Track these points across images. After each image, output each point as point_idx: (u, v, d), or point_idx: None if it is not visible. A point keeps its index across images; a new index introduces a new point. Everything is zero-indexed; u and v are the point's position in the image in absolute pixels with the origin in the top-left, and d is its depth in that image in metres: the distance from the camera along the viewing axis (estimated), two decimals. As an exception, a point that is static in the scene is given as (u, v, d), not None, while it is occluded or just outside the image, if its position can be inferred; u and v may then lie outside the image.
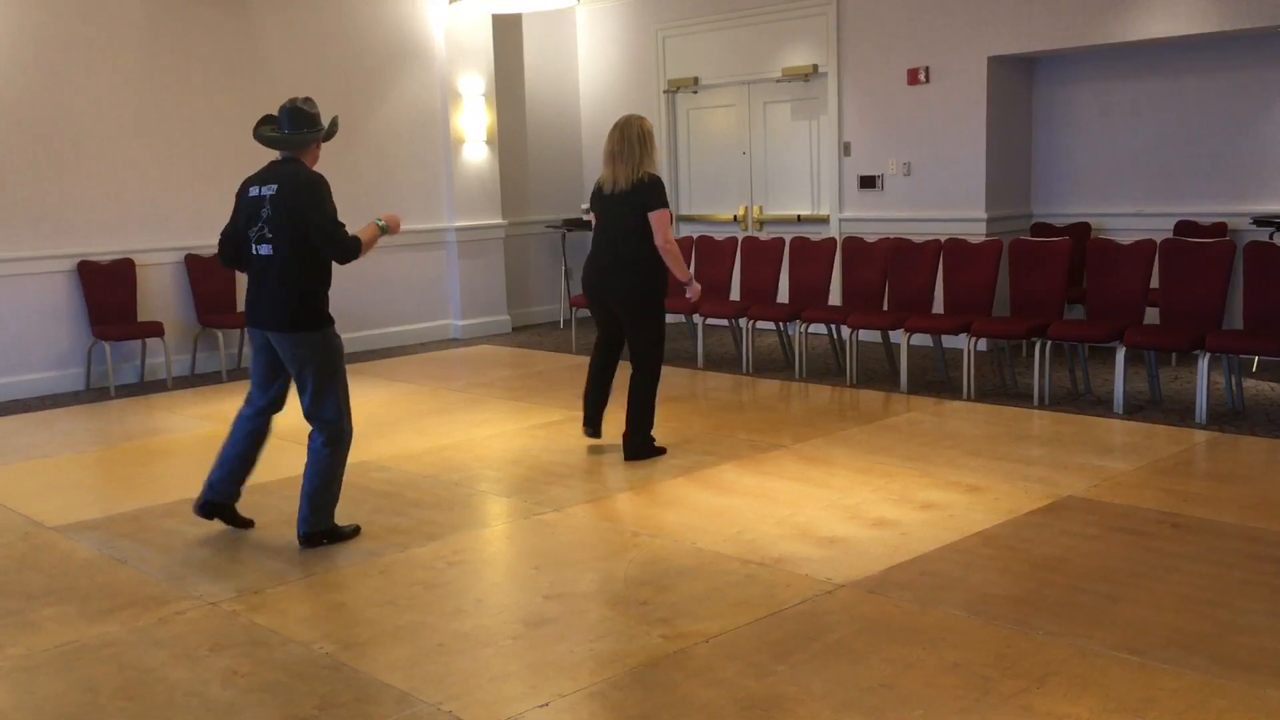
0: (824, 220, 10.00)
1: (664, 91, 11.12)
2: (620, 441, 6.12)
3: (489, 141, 10.86)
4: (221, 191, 9.35)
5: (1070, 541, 4.61)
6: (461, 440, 6.69)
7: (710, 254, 9.17)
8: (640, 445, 6.06)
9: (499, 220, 10.98)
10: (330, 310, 4.84)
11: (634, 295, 5.88)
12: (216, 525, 5.20)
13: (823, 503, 5.22)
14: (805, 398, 7.79)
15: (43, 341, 8.58)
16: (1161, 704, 3.23)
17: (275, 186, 4.69)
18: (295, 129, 4.74)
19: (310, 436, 4.85)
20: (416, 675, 3.59)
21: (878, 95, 9.55)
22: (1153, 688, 3.32)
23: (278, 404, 5.01)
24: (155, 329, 8.67)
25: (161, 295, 9.07)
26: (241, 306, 9.21)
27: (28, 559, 4.85)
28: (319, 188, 4.68)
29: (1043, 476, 5.50)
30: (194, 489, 5.81)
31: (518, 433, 6.87)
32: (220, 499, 5.01)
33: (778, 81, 10.27)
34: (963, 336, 7.44)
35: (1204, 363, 6.54)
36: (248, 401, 5.03)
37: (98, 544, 4.99)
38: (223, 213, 9.23)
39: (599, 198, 5.97)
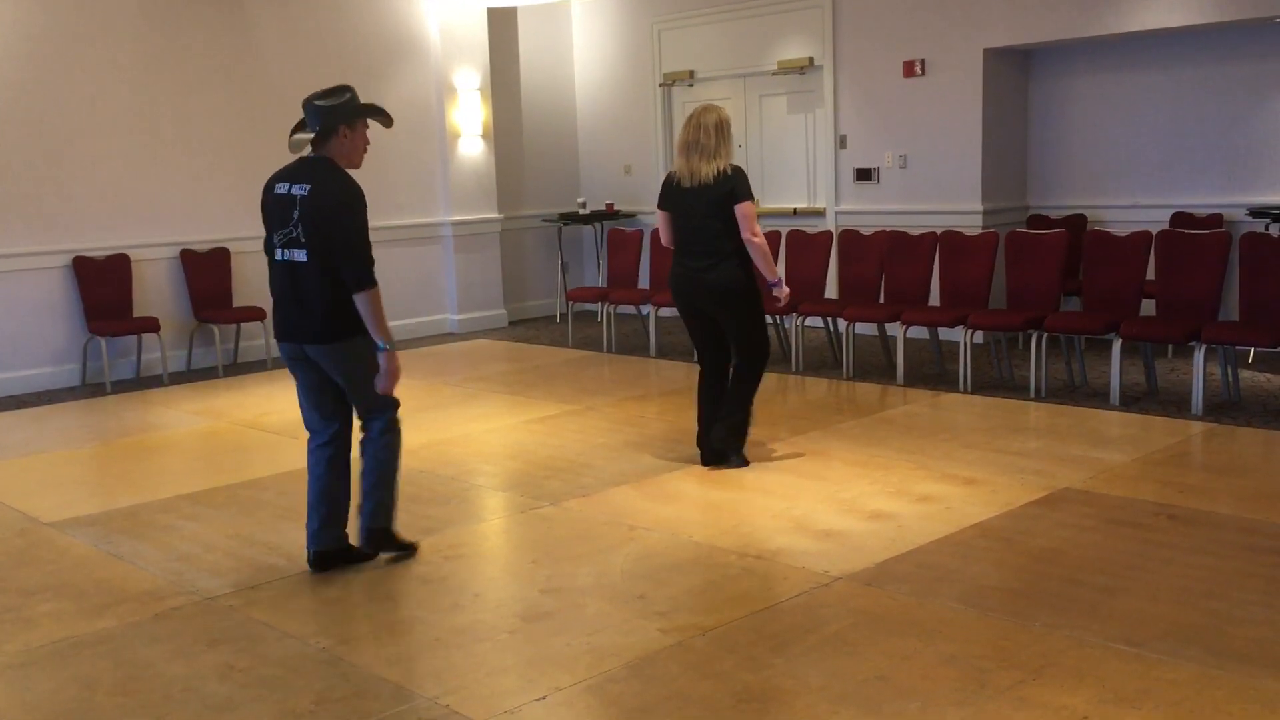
0: (820, 213, 10.00)
1: (659, 85, 11.11)
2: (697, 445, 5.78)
3: (484, 136, 10.85)
4: (217, 187, 9.38)
5: (1067, 533, 4.61)
6: (458, 435, 6.69)
7: (706, 247, 9.14)
8: (719, 452, 5.68)
9: (495, 214, 10.96)
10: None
11: (727, 288, 5.49)
12: (212, 521, 5.20)
13: (819, 496, 5.22)
14: (802, 390, 7.78)
15: (38, 337, 8.57)
16: (1158, 695, 3.23)
17: (308, 187, 4.24)
18: (316, 122, 4.29)
19: (364, 429, 4.49)
20: (413, 670, 3.59)
21: (874, 88, 9.54)
22: (1149, 679, 3.33)
23: (346, 420, 4.53)
24: (151, 324, 8.66)
25: (157, 291, 9.06)
26: (238, 302, 9.30)
27: (24, 555, 4.85)
28: (350, 196, 4.22)
29: (1039, 468, 5.50)
30: (190, 484, 5.84)
31: (514, 427, 6.86)
32: (327, 547, 4.48)
33: (773, 74, 10.26)
34: (959, 329, 7.44)
35: (1200, 354, 6.55)
36: (311, 432, 4.54)
37: (94, 540, 4.99)
38: (217, 207, 9.33)
39: (675, 192, 5.58)
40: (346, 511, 4.53)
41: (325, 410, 4.48)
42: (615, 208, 11.37)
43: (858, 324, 8.00)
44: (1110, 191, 8.96)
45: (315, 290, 4.23)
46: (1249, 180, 8.32)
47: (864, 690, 3.33)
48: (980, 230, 8.28)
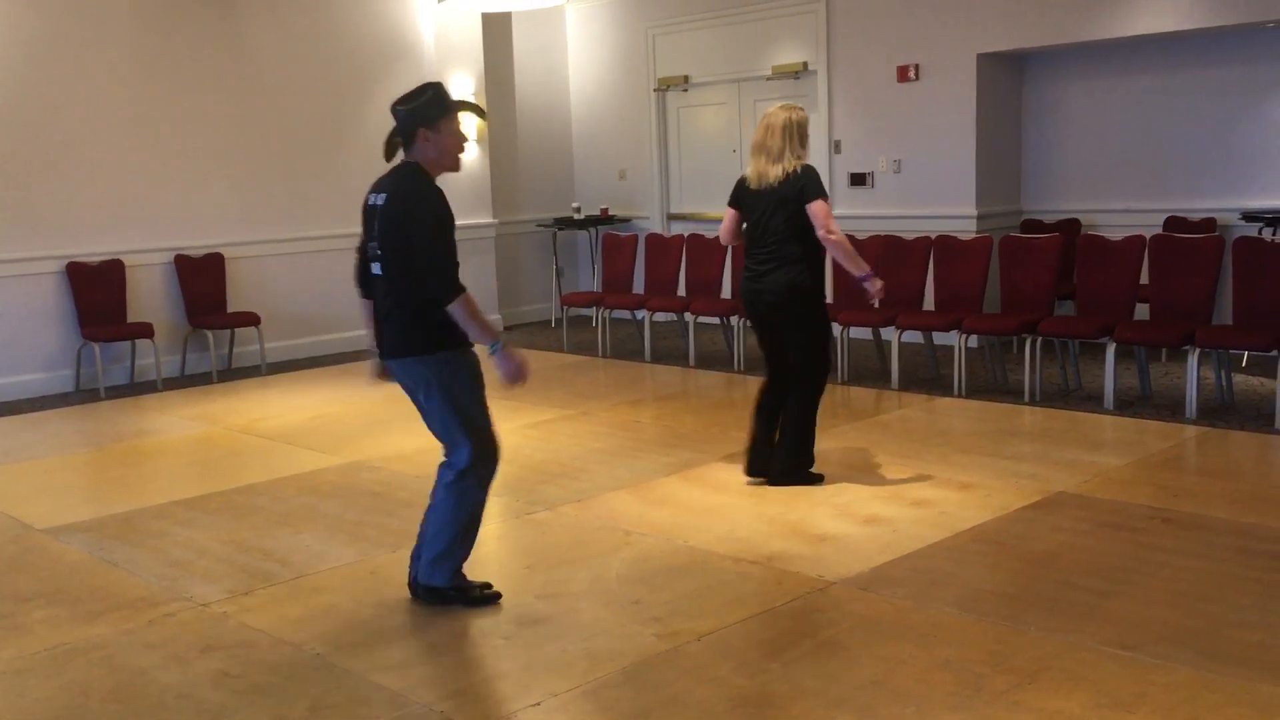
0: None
1: (654, 90, 11.11)
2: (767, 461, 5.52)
3: (479, 141, 10.83)
4: (211, 192, 9.36)
5: (1061, 537, 4.61)
6: (453, 440, 6.67)
7: (701, 252, 9.16)
8: (790, 468, 5.44)
9: (490, 220, 10.96)
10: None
11: (784, 295, 5.30)
12: (206, 527, 5.18)
13: (814, 500, 5.22)
14: (797, 395, 7.78)
15: (32, 343, 8.55)
16: (1153, 699, 3.23)
17: (385, 196, 4.00)
18: (397, 125, 4.02)
19: (439, 470, 4.13)
20: (409, 676, 3.58)
21: (868, 93, 9.55)
22: (1144, 683, 3.33)
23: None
24: (145, 330, 8.64)
25: (151, 296, 9.04)
26: (233, 307, 9.29)
27: (18, 561, 4.83)
28: (421, 200, 3.92)
29: (1034, 472, 5.51)
30: (184, 490, 5.82)
31: (509, 432, 6.82)
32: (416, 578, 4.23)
33: (768, 79, 10.27)
34: (954, 333, 7.45)
35: (1194, 358, 6.56)
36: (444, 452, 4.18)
37: (88, 546, 4.97)
38: (212, 213, 9.33)
39: (745, 193, 5.42)
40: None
41: (433, 433, 4.12)
42: (610, 212, 11.38)
43: (852, 328, 8.01)
44: (1104, 195, 8.98)
45: (391, 303, 4.00)
46: (1242, 184, 8.34)
47: (860, 695, 3.33)
48: (974, 234, 8.30)
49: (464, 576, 4.13)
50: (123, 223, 8.89)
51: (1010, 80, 9.23)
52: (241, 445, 6.83)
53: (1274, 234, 7.72)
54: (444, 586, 4.09)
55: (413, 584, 4.20)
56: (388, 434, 6.85)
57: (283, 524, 5.17)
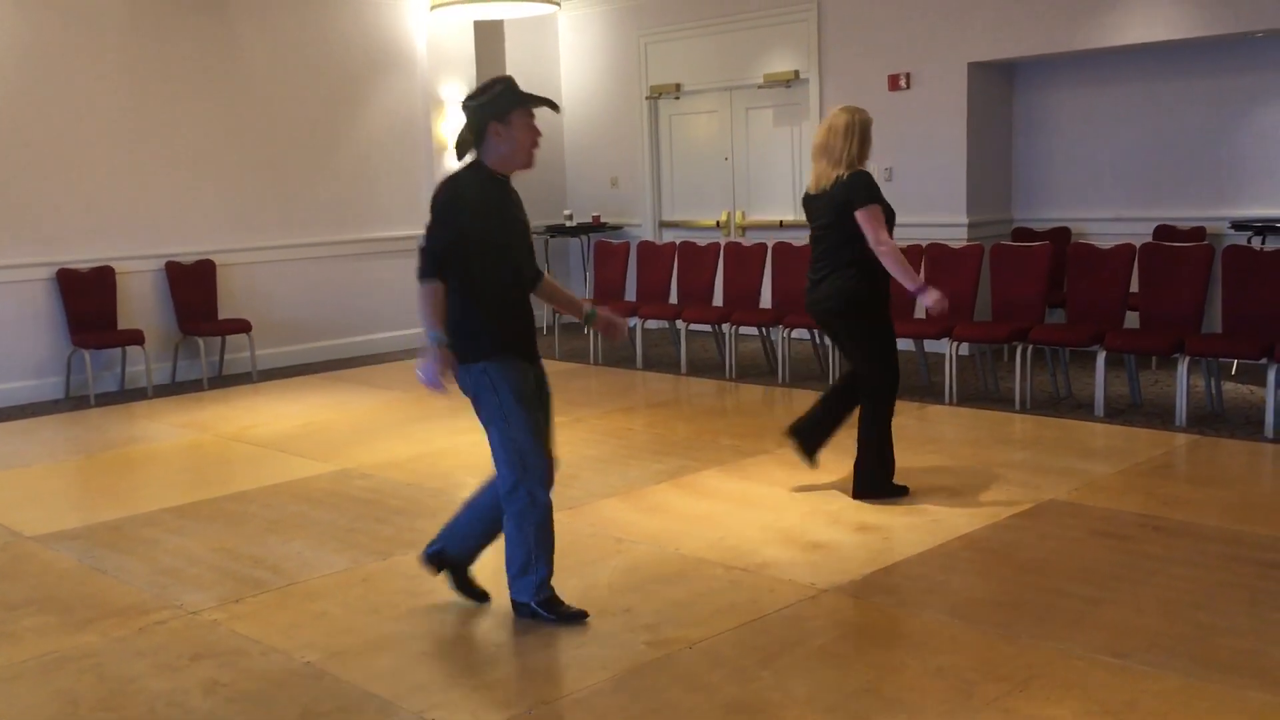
0: (806, 226, 10.00)
1: (646, 98, 11.13)
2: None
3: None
4: (202, 199, 9.36)
5: (1052, 545, 4.62)
6: (445, 447, 6.67)
7: (693, 259, 9.18)
8: (867, 482, 5.29)
9: (481, 227, 10.94)
10: (491, 337, 3.91)
11: (838, 304, 5.17)
12: (196, 534, 5.17)
13: (806, 508, 5.23)
14: (788, 403, 7.79)
15: (22, 350, 8.52)
16: (1144, 706, 3.24)
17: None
18: (466, 122, 3.91)
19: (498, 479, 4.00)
20: (399, 684, 3.58)
21: (859, 101, 9.38)
22: (1135, 690, 3.34)
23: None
24: (135, 337, 8.62)
25: (141, 303, 9.02)
26: (224, 314, 9.27)
27: (7, 569, 4.81)
28: (443, 192, 3.87)
29: (1025, 480, 5.52)
30: (174, 497, 5.81)
31: (501, 439, 6.84)
32: (454, 557, 4.17)
33: (759, 87, 10.29)
34: (944, 341, 7.46)
35: (1184, 366, 6.58)
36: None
37: (78, 554, 4.96)
38: (203, 219, 9.31)
39: (807, 201, 5.33)
40: (469, 540, 4.13)
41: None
42: (602, 220, 11.38)
43: (843, 336, 8.01)
44: (1094, 204, 9.01)
45: (450, 306, 3.85)
46: (1232, 193, 8.38)
47: (851, 702, 3.33)
48: (965, 243, 8.31)
49: (552, 590, 3.97)
50: (114, 229, 8.88)
51: (1001, 89, 9.26)
52: (232, 452, 6.82)
53: (1263, 243, 7.75)
54: (528, 602, 3.96)
55: (427, 556, 4.15)
56: (379, 441, 6.85)
57: (274, 531, 5.16)
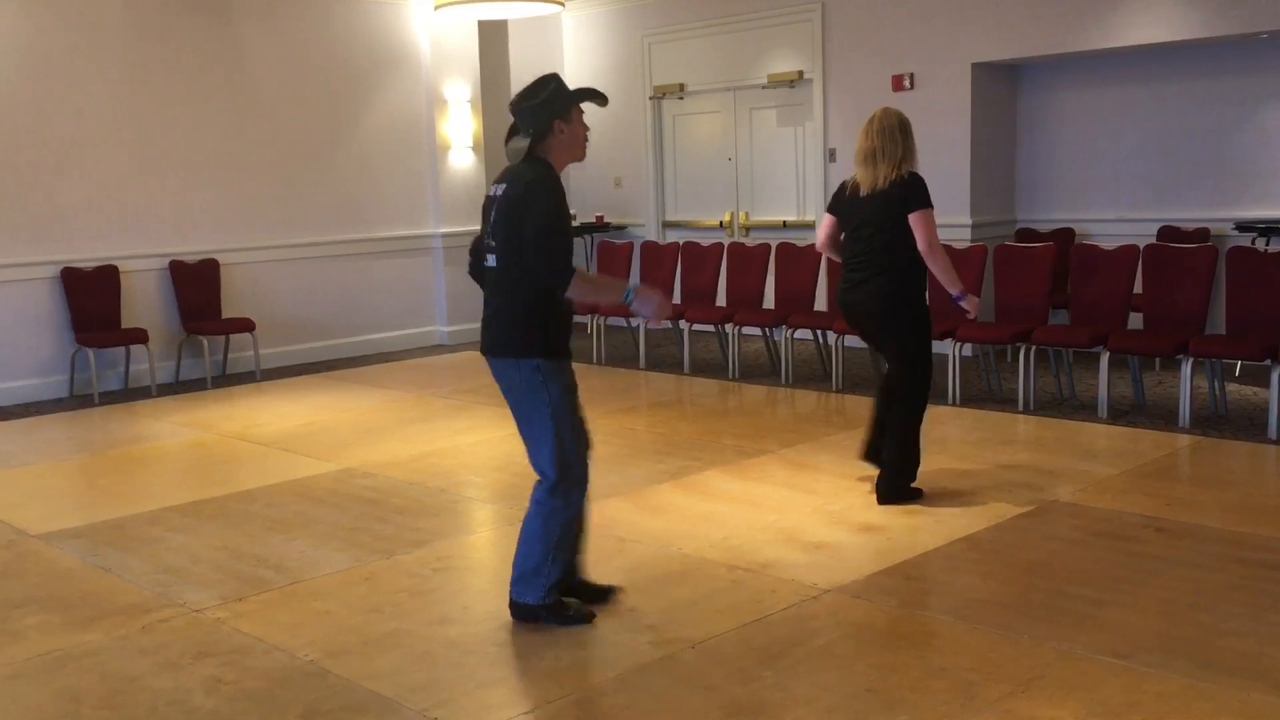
0: (810, 226, 10.01)
1: (650, 98, 11.13)
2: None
3: (475, 148, 10.85)
4: (206, 198, 9.37)
5: (1055, 546, 4.62)
6: (447, 447, 6.68)
7: (696, 260, 9.18)
8: (892, 488, 5.23)
9: (485, 226, 10.95)
10: (550, 340, 3.86)
11: (888, 305, 5.16)
12: (199, 533, 5.18)
13: (809, 508, 5.23)
14: (791, 403, 7.79)
15: (26, 348, 8.54)
16: (1146, 708, 3.24)
17: (505, 185, 3.88)
18: (522, 122, 3.89)
19: (534, 486, 4.01)
20: (401, 683, 3.58)
21: (863, 101, 9.55)
22: (1137, 691, 3.33)
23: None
24: (139, 336, 8.63)
25: (145, 302, 9.04)
26: (227, 313, 9.28)
27: (10, 567, 4.82)
28: (541, 186, 3.79)
29: (1028, 481, 5.51)
30: (178, 496, 5.81)
31: (503, 439, 6.84)
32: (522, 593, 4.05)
33: (763, 88, 10.29)
34: (948, 342, 7.45)
35: (1187, 367, 6.57)
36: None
37: (81, 552, 4.96)
38: (207, 218, 9.33)
39: (845, 200, 5.34)
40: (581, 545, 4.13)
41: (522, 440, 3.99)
42: (605, 220, 11.38)
43: (847, 336, 8.02)
44: (1098, 205, 9.00)
45: (498, 298, 3.90)
46: (1236, 194, 8.37)
47: (853, 703, 3.33)
48: (969, 243, 8.31)
49: (557, 594, 3.97)
50: (118, 228, 8.89)
51: (1005, 90, 9.26)
52: (235, 451, 6.83)
53: (1267, 244, 7.74)
54: (535, 605, 3.96)
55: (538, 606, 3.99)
56: (382, 441, 6.85)
57: (276, 530, 5.17)
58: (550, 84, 3.89)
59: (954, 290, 5.18)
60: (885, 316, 5.21)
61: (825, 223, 5.48)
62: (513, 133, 3.93)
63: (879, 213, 5.12)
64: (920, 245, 5.06)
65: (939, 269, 5.12)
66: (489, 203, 3.94)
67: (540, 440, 3.89)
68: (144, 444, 7.14)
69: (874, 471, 5.35)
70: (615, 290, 3.90)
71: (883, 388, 5.46)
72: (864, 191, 5.20)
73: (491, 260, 3.91)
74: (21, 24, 8.40)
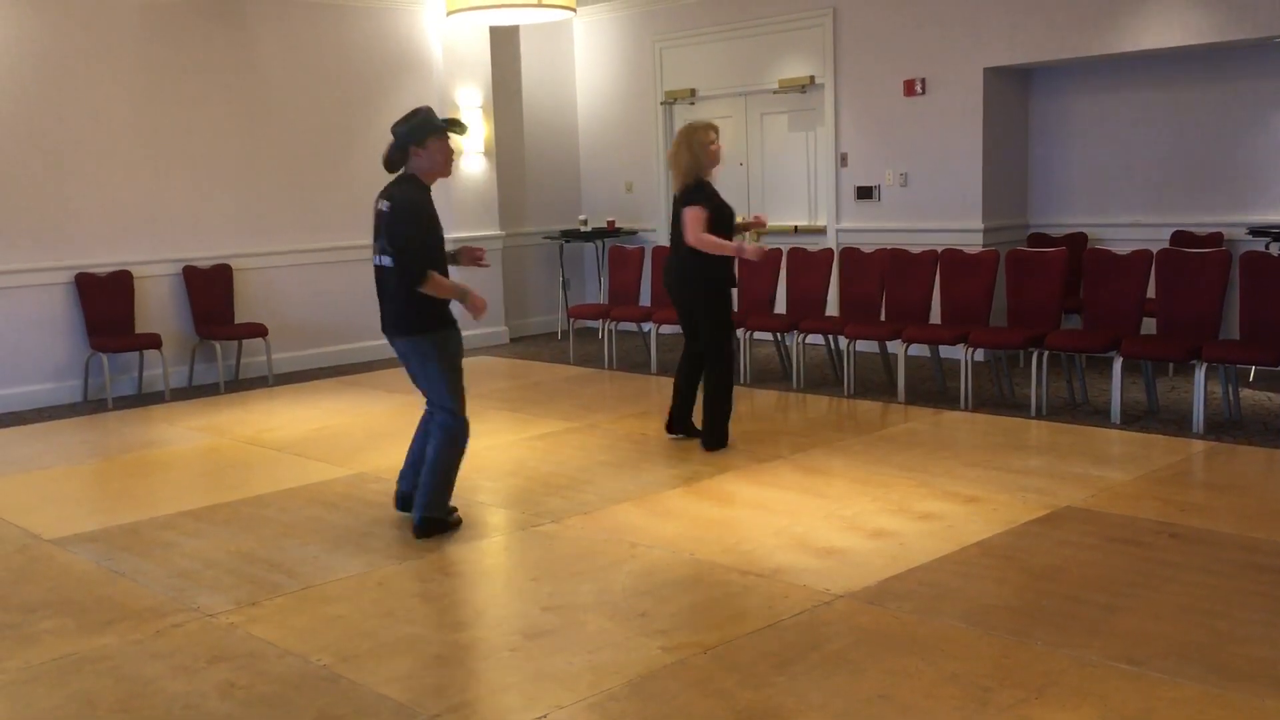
0: (821, 231, 10.02)
1: (661, 103, 11.14)
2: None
3: (486, 153, 10.88)
4: (219, 203, 9.40)
5: (1068, 552, 4.61)
6: (459, 451, 6.68)
7: (708, 265, 9.16)
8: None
9: (497, 231, 10.99)
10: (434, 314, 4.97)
11: (687, 289, 6.51)
12: (213, 538, 5.20)
13: (821, 513, 5.22)
14: (803, 408, 7.79)
15: (40, 353, 8.58)
16: (1160, 714, 3.23)
17: (388, 204, 4.91)
18: (393, 144, 4.95)
19: (432, 421, 5.17)
20: (414, 687, 3.59)
21: (874, 106, 9.57)
22: (1151, 698, 3.32)
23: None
24: (153, 340, 8.67)
25: (159, 307, 9.07)
26: (240, 318, 9.32)
27: (25, 571, 4.84)
28: (405, 203, 4.87)
29: (1040, 487, 5.50)
30: (191, 500, 5.84)
31: (515, 444, 6.86)
32: (409, 488, 5.29)
33: (774, 93, 10.30)
34: (960, 347, 7.45)
35: (1201, 372, 6.55)
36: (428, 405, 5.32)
37: (95, 556, 4.98)
38: (220, 224, 9.36)
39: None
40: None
41: (423, 392, 5.21)
42: (616, 225, 11.40)
43: (859, 341, 8.01)
44: (1110, 210, 8.98)
45: (394, 291, 4.93)
46: (1249, 199, 8.34)
47: (866, 709, 3.32)
48: (981, 248, 8.30)
49: (451, 509, 5.19)
50: (131, 234, 8.93)
51: (1017, 94, 9.25)
52: (248, 456, 6.85)
53: (1281, 249, 7.72)
54: (437, 517, 5.06)
55: (400, 501, 5.34)
56: (395, 445, 6.85)
57: (290, 535, 5.18)
58: (417, 116, 4.95)
59: (731, 252, 6.28)
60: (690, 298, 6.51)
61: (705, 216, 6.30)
62: (391, 149, 4.95)
63: (675, 213, 6.37)
64: (687, 238, 6.21)
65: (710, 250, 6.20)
66: (378, 216, 4.95)
67: (441, 391, 5.05)
68: (157, 449, 7.17)
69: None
70: (454, 292, 4.95)
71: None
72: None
73: (385, 260, 4.92)
74: (37, 30, 8.44)
